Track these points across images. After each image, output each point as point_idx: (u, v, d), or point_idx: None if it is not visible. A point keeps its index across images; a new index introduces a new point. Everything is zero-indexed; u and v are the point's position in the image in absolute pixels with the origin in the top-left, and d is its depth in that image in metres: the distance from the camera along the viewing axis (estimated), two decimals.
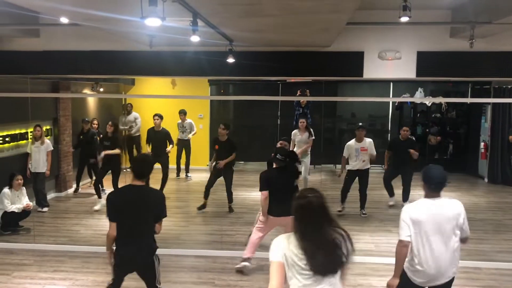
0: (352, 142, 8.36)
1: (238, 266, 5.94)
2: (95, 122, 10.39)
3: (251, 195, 9.79)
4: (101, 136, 9.53)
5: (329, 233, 2.67)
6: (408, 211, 3.66)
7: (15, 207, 7.41)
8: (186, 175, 11.46)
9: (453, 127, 12.69)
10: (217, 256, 6.54)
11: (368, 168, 8.34)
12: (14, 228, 7.51)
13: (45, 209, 8.69)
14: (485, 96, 11.25)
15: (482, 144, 11.58)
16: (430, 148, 12.41)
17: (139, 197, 4.02)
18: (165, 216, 4.13)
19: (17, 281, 5.77)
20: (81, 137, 9.96)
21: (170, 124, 10.96)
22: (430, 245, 3.60)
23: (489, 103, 11.23)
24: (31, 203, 7.68)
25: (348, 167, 8.43)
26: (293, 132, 9.45)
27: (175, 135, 10.71)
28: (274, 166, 5.94)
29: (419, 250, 3.62)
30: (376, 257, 6.39)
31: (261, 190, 5.78)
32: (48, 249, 6.80)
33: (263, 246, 6.89)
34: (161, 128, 9.56)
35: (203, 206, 8.67)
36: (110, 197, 4.13)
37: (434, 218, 3.60)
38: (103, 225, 7.98)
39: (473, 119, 12.27)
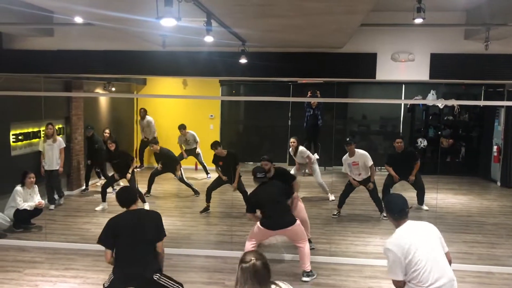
0: (345, 156, 8.27)
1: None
2: (107, 131, 10.36)
3: None
4: (107, 155, 9.17)
5: None
6: (392, 247, 3.56)
7: (27, 205, 7.47)
8: (207, 175, 11.50)
9: (466, 130, 12.58)
10: (227, 256, 6.54)
11: (369, 176, 8.20)
12: (26, 226, 7.57)
13: (62, 200, 9.03)
14: (498, 99, 11.14)
15: (495, 147, 11.46)
16: (442, 151, 12.32)
17: (136, 220, 4.23)
18: (164, 235, 4.32)
19: (29, 278, 5.81)
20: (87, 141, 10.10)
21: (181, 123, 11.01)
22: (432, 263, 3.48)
23: (502, 106, 11.11)
24: (43, 201, 7.74)
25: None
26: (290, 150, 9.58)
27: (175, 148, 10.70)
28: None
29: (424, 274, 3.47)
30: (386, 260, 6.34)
31: (247, 211, 6.08)
32: (59, 247, 6.85)
33: (272, 246, 6.89)
34: (159, 150, 9.63)
35: (206, 209, 8.70)
36: (110, 222, 4.30)
37: (418, 239, 3.52)
38: None
39: (486, 122, 12.15)
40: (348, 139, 8.64)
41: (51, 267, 6.15)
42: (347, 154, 8.23)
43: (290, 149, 9.50)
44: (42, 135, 8.95)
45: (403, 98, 12.37)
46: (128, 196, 4.37)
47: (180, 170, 9.71)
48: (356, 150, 8.19)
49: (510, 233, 7.74)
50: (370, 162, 8.12)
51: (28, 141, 8.70)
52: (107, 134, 10.34)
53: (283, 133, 12.85)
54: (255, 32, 5.60)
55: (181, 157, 10.68)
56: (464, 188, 10.87)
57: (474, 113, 12.48)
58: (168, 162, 9.64)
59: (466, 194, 10.31)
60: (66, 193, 9.54)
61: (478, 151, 12.38)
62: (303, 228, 5.87)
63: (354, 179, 8.24)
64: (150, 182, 9.56)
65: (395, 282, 3.61)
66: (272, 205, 5.78)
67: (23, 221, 7.55)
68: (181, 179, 9.69)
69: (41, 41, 7.10)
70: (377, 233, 7.53)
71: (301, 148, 9.36)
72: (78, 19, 5.37)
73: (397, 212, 3.65)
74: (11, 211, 7.45)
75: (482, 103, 12.31)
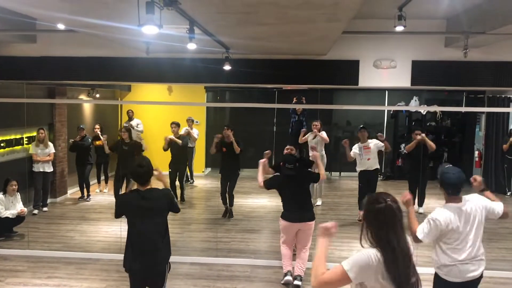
0: (358, 143, 8.57)
1: (282, 281, 5.86)
2: (97, 127, 10.37)
3: (247, 202, 9.80)
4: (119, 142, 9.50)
5: (407, 243, 2.51)
6: (439, 218, 3.63)
7: (9, 213, 7.38)
8: (190, 180, 11.51)
9: (448, 136, 12.75)
10: (212, 263, 6.53)
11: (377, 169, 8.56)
12: (8, 234, 7.47)
13: (45, 208, 9.06)
14: (479, 105, 11.33)
15: (476, 152, 11.65)
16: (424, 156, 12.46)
17: (146, 202, 3.97)
18: (177, 211, 4.20)
19: (10, 287, 5.73)
20: (78, 141, 9.86)
21: (165, 131, 10.96)
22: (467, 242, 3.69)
23: (483, 112, 11.31)
24: (25, 209, 7.65)
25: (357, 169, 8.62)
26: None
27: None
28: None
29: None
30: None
31: (266, 187, 5.82)
32: (42, 255, 6.76)
33: (258, 253, 6.90)
34: (178, 135, 9.66)
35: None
36: (121, 198, 4.17)
37: (466, 220, 3.67)
38: (98, 231, 7.97)
39: (467, 128, 12.34)
40: (362, 126, 8.84)
41: (33, 276, 6.08)
42: (360, 141, 8.52)
43: (309, 135, 9.42)
44: (25, 142, 8.92)
45: (386, 104, 12.51)
46: (139, 169, 3.98)
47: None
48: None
49: (492, 237, 7.84)
50: (382, 144, 8.48)
51: (10, 148, 8.60)
52: (97, 130, 10.29)
53: (268, 139, 12.89)
54: (238, 40, 5.64)
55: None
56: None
57: (456, 119, 12.68)
58: (181, 150, 9.70)
59: None
60: (49, 200, 9.45)
61: (460, 156, 12.55)
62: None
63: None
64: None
65: (415, 238, 3.65)
66: (292, 196, 5.77)
67: (5, 229, 7.45)
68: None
69: (24, 47, 7.05)
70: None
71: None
72: (61, 26, 5.36)
73: (450, 188, 3.68)
74: None
75: (463, 109, 12.52)
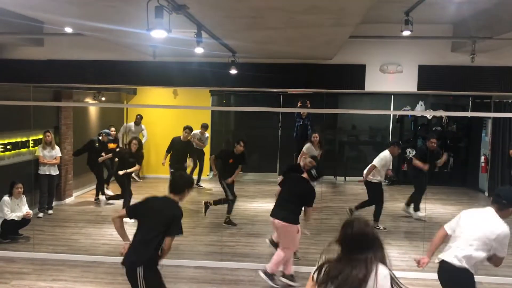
0: (389, 155, 8.35)
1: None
2: (113, 129, 10.52)
3: (252, 206, 9.78)
4: (125, 153, 9.30)
5: None
6: None
7: (14, 215, 7.40)
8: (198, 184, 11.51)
9: (454, 141, 12.70)
10: (216, 267, 6.51)
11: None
12: (13, 236, 7.49)
13: (50, 211, 9.07)
14: (485, 110, 11.28)
15: (482, 158, 11.59)
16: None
17: (158, 207, 4.32)
18: (178, 233, 4.31)
19: None
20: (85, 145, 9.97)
21: (170, 134, 11.00)
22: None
23: (489, 117, 11.26)
24: (31, 211, 7.67)
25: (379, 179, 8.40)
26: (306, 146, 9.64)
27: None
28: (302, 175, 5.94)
29: None
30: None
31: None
32: (47, 258, 6.77)
33: (262, 257, 6.87)
34: (187, 140, 9.73)
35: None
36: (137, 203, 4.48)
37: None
38: (103, 234, 7.97)
39: (473, 133, 12.29)
40: (396, 140, 8.83)
41: (38, 278, 6.09)
42: (390, 153, 8.31)
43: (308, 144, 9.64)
44: (31, 145, 8.95)
45: (392, 109, 12.49)
46: (179, 181, 4.48)
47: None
48: None
49: None
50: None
51: (16, 150, 8.63)
52: (114, 132, 10.46)
53: (273, 143, 12.89)
54: (245, 44, 5.65)
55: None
56: (452, 198, 10.94)
57: (462, 124, 12.62)
58: (185, 154, 9.81)
59: (454, 204, 10.37)
60: (55, 203, 9.46)
61: (466, 162, 12.50)
62: (293, 236, 5.86)
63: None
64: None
65: None
66: (290, 194, 5.86)
67: (11, 231, 7.47)
68: None
69: (31, 50, 7.09)
70: None
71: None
72: (68, 30, 5.38)
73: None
74: None
75: (469, 114, 12.47)
